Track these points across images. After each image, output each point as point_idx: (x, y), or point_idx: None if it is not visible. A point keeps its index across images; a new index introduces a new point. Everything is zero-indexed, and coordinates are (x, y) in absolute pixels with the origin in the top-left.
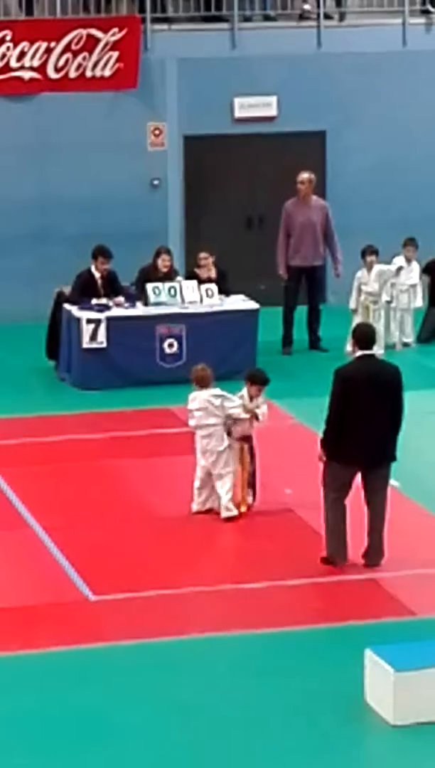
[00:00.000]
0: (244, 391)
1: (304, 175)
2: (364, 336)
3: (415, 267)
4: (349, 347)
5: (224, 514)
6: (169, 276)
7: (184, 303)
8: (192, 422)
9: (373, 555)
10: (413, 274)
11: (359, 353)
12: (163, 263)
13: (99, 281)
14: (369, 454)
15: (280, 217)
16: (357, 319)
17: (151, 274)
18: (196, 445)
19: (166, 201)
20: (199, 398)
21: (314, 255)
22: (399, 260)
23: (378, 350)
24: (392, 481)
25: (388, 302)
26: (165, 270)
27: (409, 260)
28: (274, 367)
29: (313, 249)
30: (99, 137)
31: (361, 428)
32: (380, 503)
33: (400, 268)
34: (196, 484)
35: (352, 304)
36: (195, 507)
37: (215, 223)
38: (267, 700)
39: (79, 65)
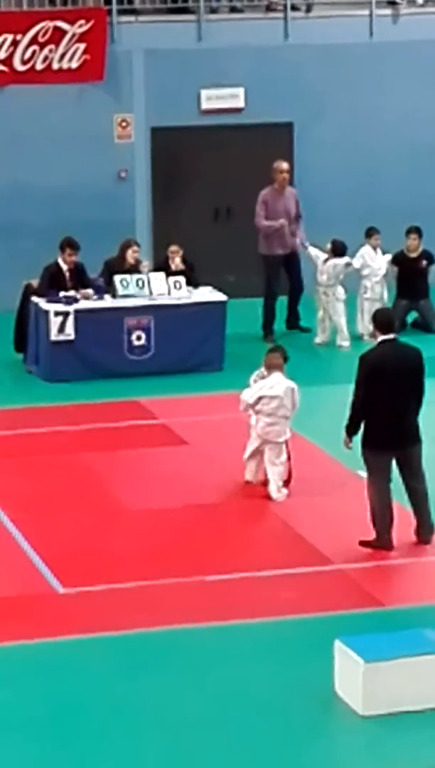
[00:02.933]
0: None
1: (284, 165)
2: (386, 320)
3: (381, 256)
4: (317, 339)
5: (277, 496)
6: (136, 268)
7: (152, 295)
8: (259, 406)
9: (426, 532)
10: (381, 262)
11: (381, 338)
12: (132, 255)
13: (66, 273)
14: (399, 438)
15: (248, 209)
16: (318, 308)
17: (117, 266)
18: (252, 423)
19: (134, 193)
20: (280, 385)
21: (292, 241)
22: (365, 250)
23: (344, 341)
24: (361, 472)
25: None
26: (133, 262)
27: (374, 249)
28: (244, 360)
29: (291, 236)
30: (66, 129)
31: (389, 412)
32: (422, 483)
33: (348, 264)
34: (246, 455)
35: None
36: (249, 476)
37: (183, 215)
38: (237, 690)
39: (46, 57)
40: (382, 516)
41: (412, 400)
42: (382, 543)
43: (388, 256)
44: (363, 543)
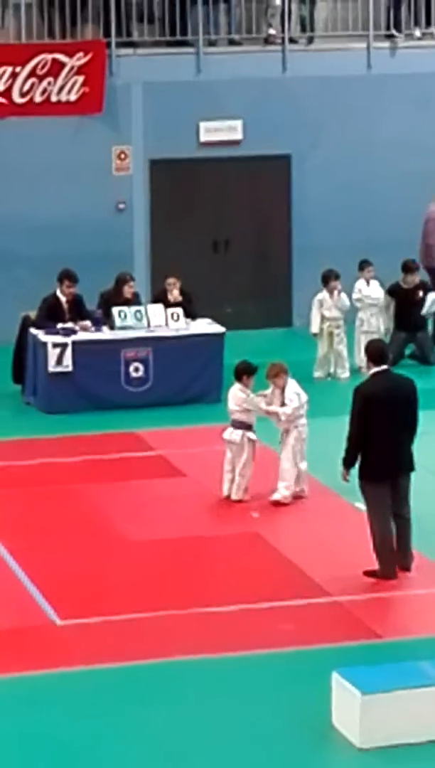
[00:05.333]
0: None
1: None
2: (378, 352)
3: (377, 287)
4: (317, 373)
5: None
6: (133, 303)
7: (150, 327)
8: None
9: (406, 560)
10: (377, 294)
11: (374, 369)
12: (129, 290)
13: (65, 305)
14: (395, 466)
15: (246, 241)
16: (321, 344)
17: (113, 300)
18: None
19: (132, 225)
20: (303, 395)
21: None
22: (360, 284)
23: (343, 373)
24: (358, 504)
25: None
26: (129, 297)
27: (368, 281)
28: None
29: None
30: (65, 161)
31: (384, 443)
32: (407, 517)
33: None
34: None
35: (314, 328)
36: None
37: (181, 247)
38: (234, 722)
39: (45, 90)
40: (386, 546)
41: (406, 430)
42: (386, 573)
43: (384, 287)
44: (367, 573)
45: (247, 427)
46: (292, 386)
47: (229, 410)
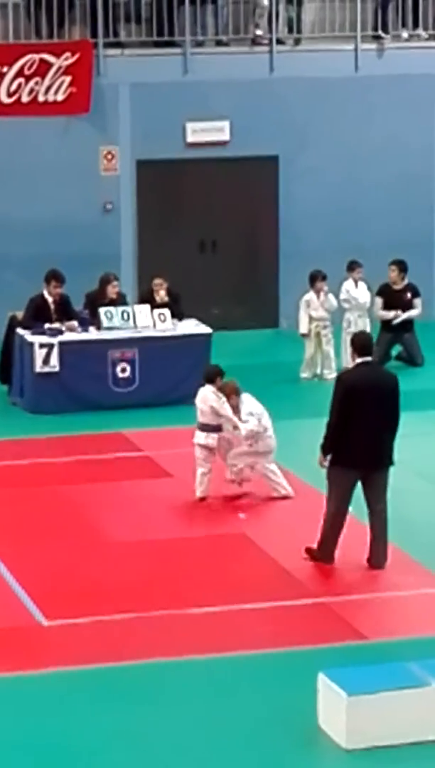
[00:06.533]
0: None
1: None
2: (363, 343)
3: (365, 290)
4: (304, 374)
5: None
6: (117, 302)
7: (136, 327)
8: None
9: (379, 558)
10: (365, 296)
11: (359, 360)
12: (112, 290)
13: (52, 305)
14: (370, 458)
15: (233, 241)
16: (309, 345)
17: (98, 300)
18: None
19: (119, 225)
20: (261, 414)
21: None
22: (348, 284)
23: (330, 374)
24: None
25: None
26: (114, 296)
27: (356, 282)
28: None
29: None
30: (52, 162)
31: (363, 432)
32: (382, 510)
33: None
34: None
35: (303, 329)
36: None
37: (168, 248)
38: (219, 724)
39: (32, 90)
40: (332, 533)
41: (386, 422)
42: (323, 557)
43: (373, 289)
44: (308, 550)
45: (218, 429)
46: (248, 405)
47: (198, 412)
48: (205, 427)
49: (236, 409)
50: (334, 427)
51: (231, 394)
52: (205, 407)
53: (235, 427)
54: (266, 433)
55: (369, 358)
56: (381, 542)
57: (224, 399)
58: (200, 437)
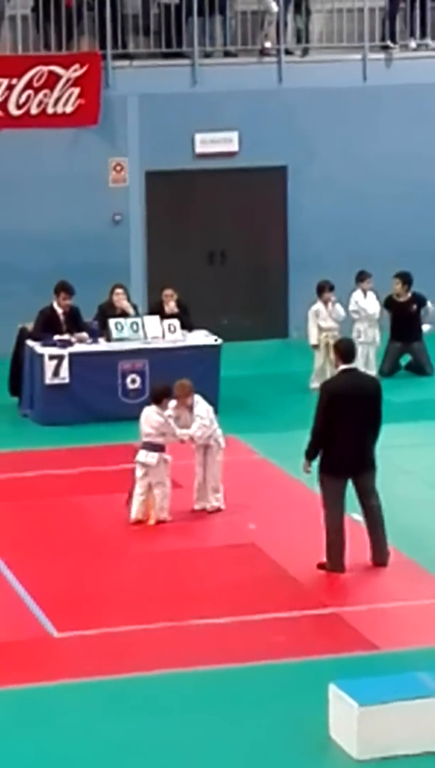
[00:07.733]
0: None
1: None
2: (347, 350)
3: (374, 300)
4: (314, 384)
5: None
6: (127, 312)
7: (146, 338)
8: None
9: (381, 555)
10: (374, 306)
11: (343, 367)
12: (116, 298)
13: (61, 317)
14: (356, 463)
15: (242, 252)
16: (319, 355)
17: (109, 310)
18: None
19: (128, 237)
20: (209, 408)
21: None
22: (357, 295)
23: None
24: (355, 516)
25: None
26: (120, 306)
27: (365, 292)
28: (238, 403)
29: None
30: (61, 173)
31: (347, 439)
32: (376, 506)
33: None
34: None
35: (313, 340)
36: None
37: (177, 259)
38: (230, 735)
39: (41, 102)
40: (336, 541)
41: (369, 427)
42: (334, 567)
43: (381, 299)
44: (320, 565)
45: (161, 448)
46: (201, 404)
47: (141, 432)
48: (147, 446)
49: (190, 409)
50: (319, 433)
51: (189, 394)
52: (148, 428)
53: (183, 440)
54: (217, 432)
55: (352, 365)
56: (380, 539)
57: (168, 416)
58: (141, 455)
